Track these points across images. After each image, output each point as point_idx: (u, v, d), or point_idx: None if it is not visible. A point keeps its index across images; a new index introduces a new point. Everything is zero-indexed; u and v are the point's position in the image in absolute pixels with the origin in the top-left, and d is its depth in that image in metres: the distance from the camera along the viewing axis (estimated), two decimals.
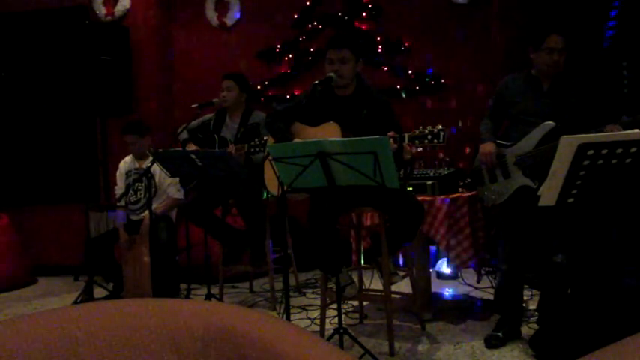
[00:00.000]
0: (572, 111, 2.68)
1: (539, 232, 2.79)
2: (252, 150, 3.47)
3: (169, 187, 3.94)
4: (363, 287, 3.35)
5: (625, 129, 2.38)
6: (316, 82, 2.79)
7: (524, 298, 3.48)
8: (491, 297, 3.69)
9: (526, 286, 3.69)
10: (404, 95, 4.96)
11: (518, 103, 2.78)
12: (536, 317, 2.97)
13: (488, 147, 2.84)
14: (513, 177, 2.77)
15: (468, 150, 4.74)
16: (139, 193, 3.97)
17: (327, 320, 3.14)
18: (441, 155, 4.25)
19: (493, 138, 2.88)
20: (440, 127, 2.43)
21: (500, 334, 2.83)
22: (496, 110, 2.95)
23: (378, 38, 5.03)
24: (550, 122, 2.63)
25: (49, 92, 5.22)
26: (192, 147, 3.80)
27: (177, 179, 3.87)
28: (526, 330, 2.98)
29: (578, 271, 2.62)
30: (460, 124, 4.89)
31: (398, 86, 4.97)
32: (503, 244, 2.90)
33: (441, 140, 2.42)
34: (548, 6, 4.22)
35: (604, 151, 1.74)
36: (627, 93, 3.71)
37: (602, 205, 2.48)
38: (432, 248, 4.14)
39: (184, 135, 3.90)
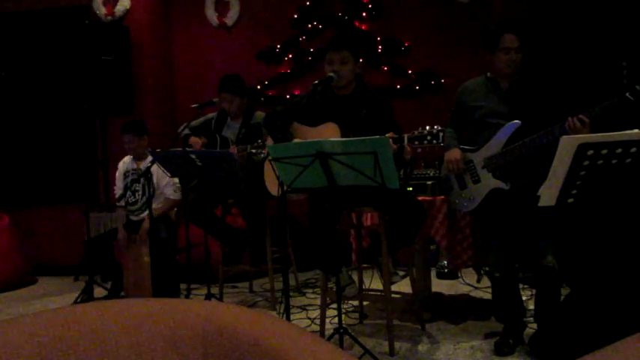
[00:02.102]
0: (534, 109, 2.67)
1: (526, 233, 2.77)
2: (254, 151, 3.46)
3: (166, 187, 3.92)
4: (363, 287, 3.35)
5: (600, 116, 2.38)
6: (316, 82, 2.79)
7: (524, 298, 3.49)
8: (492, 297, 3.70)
9: (526, 286, 3.69)
10: (404, 95, 4.96)
11: (480, 106, 2.77)
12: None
13: (453, 153, 2.82)
14: (484, 181, 2.74)
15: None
16: (137, 193, 3.96)
17: (327, 320, 3.14)
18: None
19: (457, 144, 2.86)
20: (439, 127, 2.43)
21: (510, 340, 2.77)
22: (457, 117, 2.93)
23: (378, 38, 5.03)
24: (516, 121, 2.61)
25: (49, 92, 5.23)
26: (195, 140, 3.79)
27: (174, 179, 3.86)
28: (526, 330, 2.98)
29: (574, 271, 2.62)
30: None
31: (398, 86, 4.97)
32: (489, 250, 2.86)
33: (440, 141, 2.41)
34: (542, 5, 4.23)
35: (604, 151, 1.75)
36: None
37: (600, 205, 2.48)
38: (432, 248, 4.14)
39: (186, 131, 3.89)
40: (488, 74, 2.80)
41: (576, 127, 2.38)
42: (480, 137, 2.77)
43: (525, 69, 2.75)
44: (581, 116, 2.41)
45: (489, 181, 2.71)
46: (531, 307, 3.32)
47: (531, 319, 3.11)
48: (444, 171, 2.92)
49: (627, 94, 2.33)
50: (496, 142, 2.67)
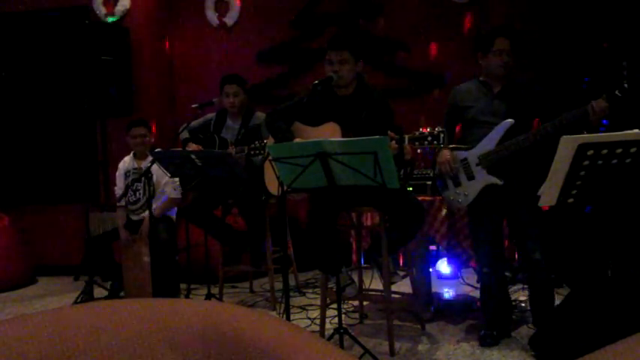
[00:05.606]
0: (525, 109, 2.80)
1: (519, 230, 2.85)
2: (252, 152, 3.45)
3: (165, 186, 3.92)
4: (363, 287, 3.34)
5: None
6: (316, 82, 2.79)
7: (523, 298, 3.49)
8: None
9: (525, 286, 3.69)
10: (403, 95, 4.96)
11: (472, 106, 2.90)
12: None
13: (444, 154, 2.92)
14: (477, 177, 2.85)
15: None
16: (137, 193, 3.96)
17: (327, 320, 3.14)
18: None
19: (447, 145, 2.94)
20: (439, 128, 2.44)
21: (494, 332, 2.87)
22: (450, 119, 3.05)
23: (379, 37, 5.02)
24: (510, 120, 2.74)
25: (49, 92, 5.22)
26: (192, 147, 3.79)
27: (174, 179, 3.86)
28: (526, 330, 2.99)
29: (574, 271, 2.64)
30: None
31: (398, 86, 4.97)
32: (479, 246, 2.96)
33: (441, 142, 2.43)
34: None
35: (604, 151, 1.75)
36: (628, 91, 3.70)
37: (600, 205, 2.50)
38: (432, 248, 4.13)
39: (185, 134, 3.89)
40: (481, 78, 2.94)
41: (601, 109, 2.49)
42: (471, 136, 2.89)
43: (515, 73, 2.90)
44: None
45: (483, 178, 2.83)
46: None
47: (519, 314, 3.14)
48: (437, 171, 3.01)
49: (616, 92, 2.48)
50: (490, 140, 2.79)
